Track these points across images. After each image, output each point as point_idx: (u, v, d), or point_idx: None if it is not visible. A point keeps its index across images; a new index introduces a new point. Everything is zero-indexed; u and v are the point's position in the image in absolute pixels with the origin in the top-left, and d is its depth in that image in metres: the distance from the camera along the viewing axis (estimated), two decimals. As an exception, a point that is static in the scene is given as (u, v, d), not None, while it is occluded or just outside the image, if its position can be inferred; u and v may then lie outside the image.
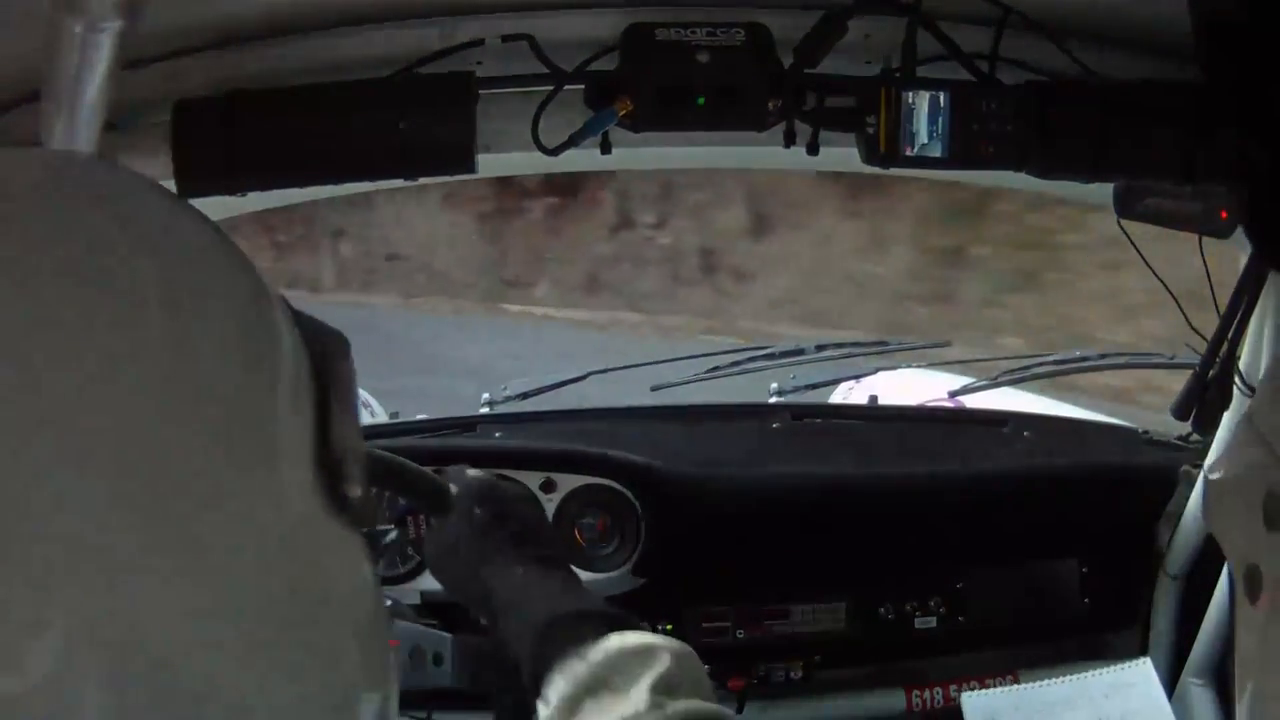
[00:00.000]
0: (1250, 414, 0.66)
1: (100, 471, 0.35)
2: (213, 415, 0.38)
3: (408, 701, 1.42)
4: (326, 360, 0.45)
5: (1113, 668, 1.44)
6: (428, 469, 0.99)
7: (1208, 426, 1.47)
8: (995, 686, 1.59)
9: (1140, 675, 1.43)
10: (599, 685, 0.73)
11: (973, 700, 1.45)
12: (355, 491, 0.44)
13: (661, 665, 0.73)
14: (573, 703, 0.74)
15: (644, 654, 0.75)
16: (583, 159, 1.18)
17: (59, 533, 0.34)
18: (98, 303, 0.37)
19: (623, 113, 1.10)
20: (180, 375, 0.37)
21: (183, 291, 0.39)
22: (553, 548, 0.98)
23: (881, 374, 2.27)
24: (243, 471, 0.39)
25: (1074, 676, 1.44)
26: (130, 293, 0.37)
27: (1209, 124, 1.06)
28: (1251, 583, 0.61)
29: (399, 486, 1.05)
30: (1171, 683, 1.54)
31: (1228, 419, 1.38)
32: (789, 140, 1.15)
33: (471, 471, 1.04)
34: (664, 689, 0.71)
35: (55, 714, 0.34)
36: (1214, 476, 0.68)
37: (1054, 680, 1.44)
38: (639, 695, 0.71)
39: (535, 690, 0.79)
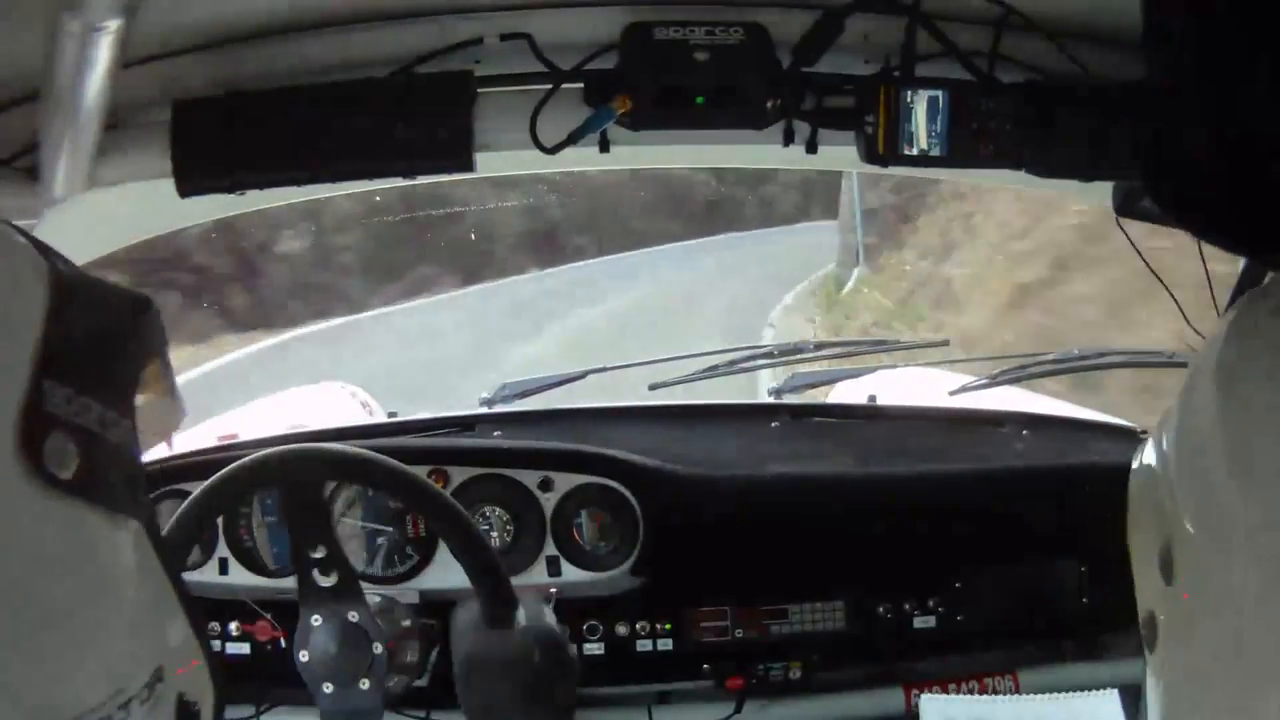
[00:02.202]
0: (1160, 433, 0.63)
1: None
2: None
3: (408, 701, 1.43)
4: (77, 333, 0.46)
5: (1078, 695, 1.45)
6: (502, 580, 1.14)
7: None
8: (994, 686, 1.59)
9: (1105, 705, 1.44)
10: None
11: (930, 704, 1.46)
12: (65, 468, 0.45)
13: None
14: None
15: None
16: (581, 157, 1.18)
17: None
18: None
19: (621, 111, 1.10)
20: None
21: None
22: None
23: (881, 373, 2.27)
24: None
25: (1038, 697, 1.45)
26: None
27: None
28: (1149, 630, 0.61)
29: (473, 575, 1.15)
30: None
31: None
32: (787, 139, 1.15)
33: (546, 615, 1.20)
34: None
35: None
36: (1132, 484, 0.66)
37: (1019, 697, 1.45)
38: None
39: None
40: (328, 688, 1.18)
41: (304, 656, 1.18)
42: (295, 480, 1.18)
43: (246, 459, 1.18)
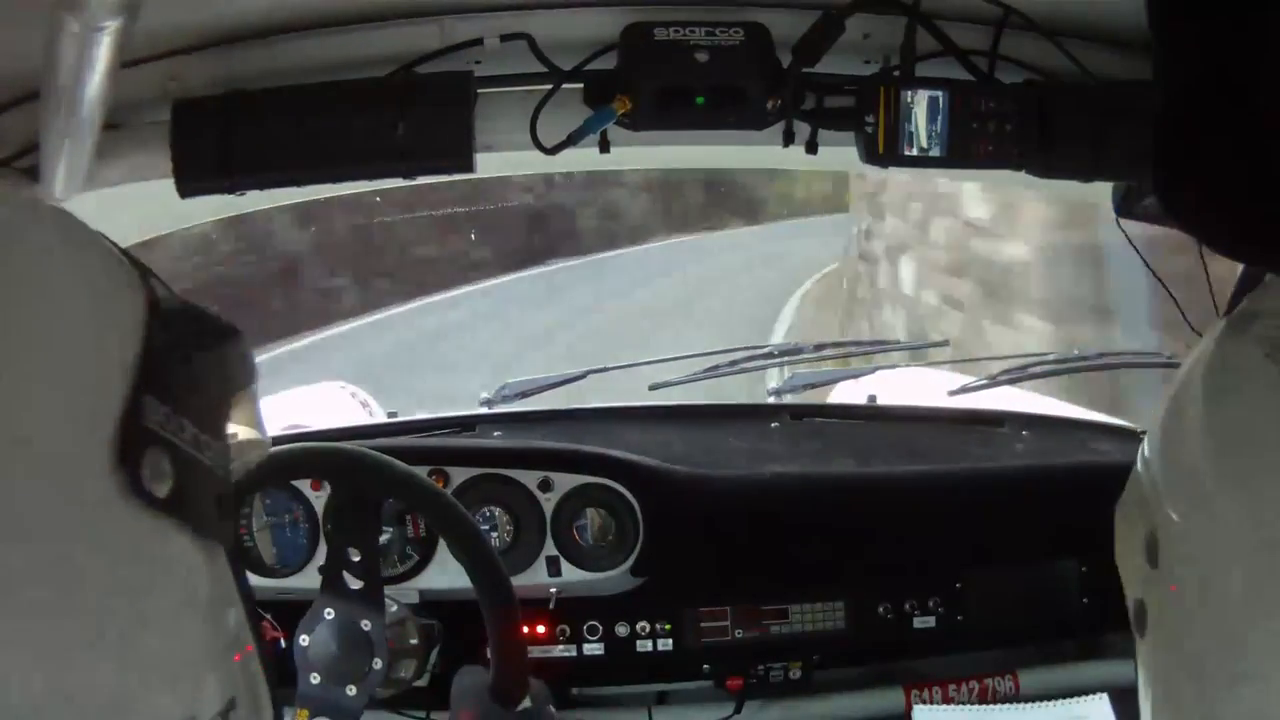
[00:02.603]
0: (1151, 430, 0.64)
1: None
2: None
3: (408, 701, 1.43)
4: (174, 352, 0.45)
5: (1072, 701, 1.46)
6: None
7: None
8: (994, 686, 1.59)
9: (1096, 712, 1.45)
10: None
11: (925, 715, 1.47)
12: (161, 486, 0.43)
13: None
14: None
15: None
16: (581, 158, 1.18)
17: None
18: None
19: (621, 112, 1.10)
20: None
21: None
22: None
23: (880, 373, 2.27)
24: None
25: (1030, 706, 1.46)
26: None
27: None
28: (1139, 617, 0.62)
29: (496, 651, 1.16)
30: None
31: None
32: (788, 139, 1.15)
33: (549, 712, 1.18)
34: None
35: None
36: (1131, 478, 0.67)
37: (1013, 707, 1.46)
38: None
39: None
40: (314, 677, 1.17)
41: (304, 641, 1.18)
42: (361, 484, 1.19)
43: (319, 446, 1.20)
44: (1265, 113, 0.52)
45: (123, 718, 0.42)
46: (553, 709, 1.19)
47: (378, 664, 1.17)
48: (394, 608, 1.30)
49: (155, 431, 0.43)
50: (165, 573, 0.45)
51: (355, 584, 1.18)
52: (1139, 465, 0.63)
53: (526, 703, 1.16)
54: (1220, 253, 0.61)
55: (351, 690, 1.17)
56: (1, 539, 0.37)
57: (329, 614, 1.18)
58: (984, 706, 1.47)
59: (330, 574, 1.18)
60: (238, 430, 0.52)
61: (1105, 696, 1.46)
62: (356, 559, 1.18)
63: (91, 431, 0.41)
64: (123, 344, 0.43)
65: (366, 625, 1.18)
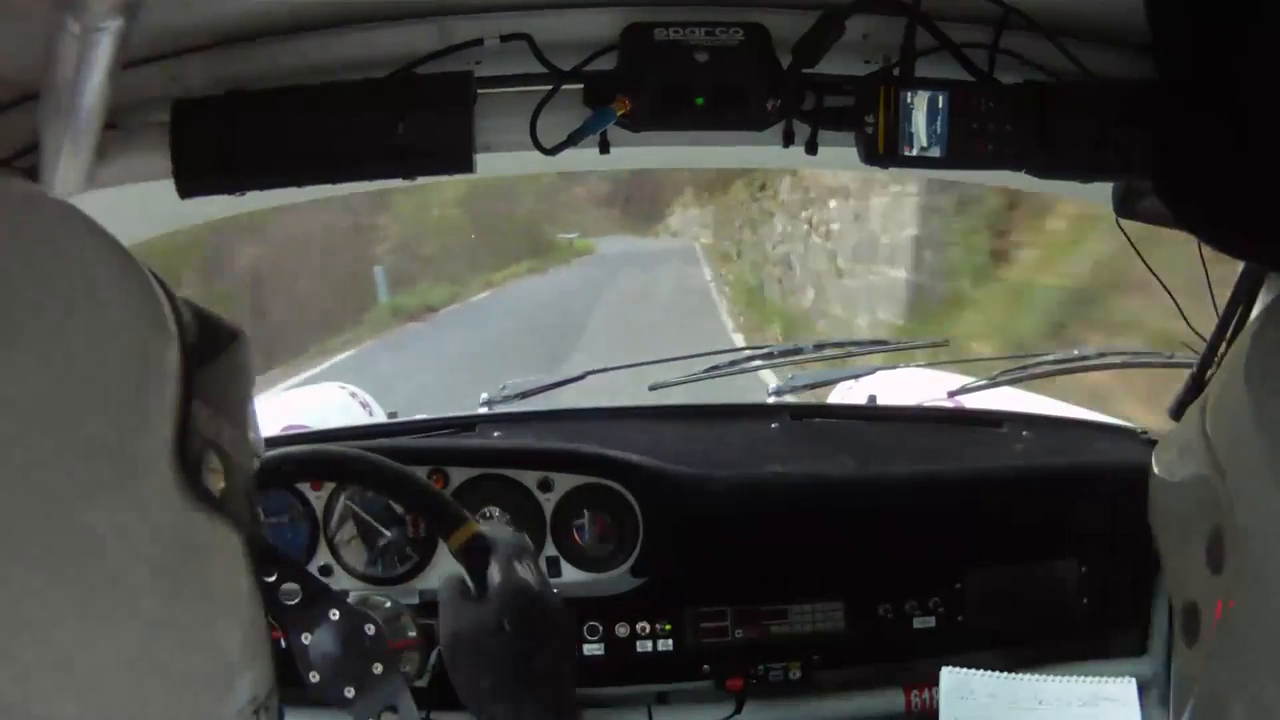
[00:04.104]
0: (1202, 419, 0.61)
1: None
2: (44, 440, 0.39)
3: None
4: (202, 355, 0.47)
5: (1099, 680, 1.44)
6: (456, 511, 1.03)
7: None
8: None
9: (1121, 692, 1.44)
10: None
11: (951, 676, 1.45)
12: (216, 484, 0.46)
13: None
14: None
15: None
16: (581, 158, 1.18)
17: None
18: None
19: (621, 112, 1.10)
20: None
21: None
22: (569, 690, 0.98)
23: (880, 374, 2.27)
24: (84, 493, 0.39)
25: (1062, 678, 1.44)
26: None
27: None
28: (1189, 620, 0.59)
29: (429, 518, 1.07)
30: (1170, 682, 1.54)
31: None
32: (788, 140, 1.15)
33: (518, 570, 1.02)
34: None
35: None
36: (1161, 474, 0.64)
37: (1040, 677, 1.44)
38: None
39: None
40: (314, 676, 1.17)
41: (305, 639, 1.17)
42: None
43: (350, 451, 1.16)
44: (1261, 111, 0.52)
45: (198, 707, 0.45)
46: (521, 572, 1.03)
47: (378, 669, 1.17)
48: (388, 604, 1.30)
49: (204, 434, 0.46)
50: (222, 565, 0.47)
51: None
52: (1187, 456, 0.60)
53: (495, 578, 1.03)
54: (1222, 250, 0.61)
55: (350, 692, 1.17)
56: (74, 546, 0.39)
57: (334, 615, 1.17)
58: (1010, 674, 1.45)
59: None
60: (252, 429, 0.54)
61: (1133, 680, 1.45)
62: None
63: (151, 434, 0.43)
64: (170, 350, 0.45)
65: (371, 629, 1.17)
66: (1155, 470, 0.65)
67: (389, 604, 1.29)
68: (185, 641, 0.44)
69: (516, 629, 0.99)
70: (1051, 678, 1.44)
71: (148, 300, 0.46)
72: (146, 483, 0.42)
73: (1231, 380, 0.58)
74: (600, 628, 1.53)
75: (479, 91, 1.10)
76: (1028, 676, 1.44)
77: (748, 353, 2.18)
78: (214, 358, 0.48)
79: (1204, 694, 0.57)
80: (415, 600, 1.45)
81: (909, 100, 1.10)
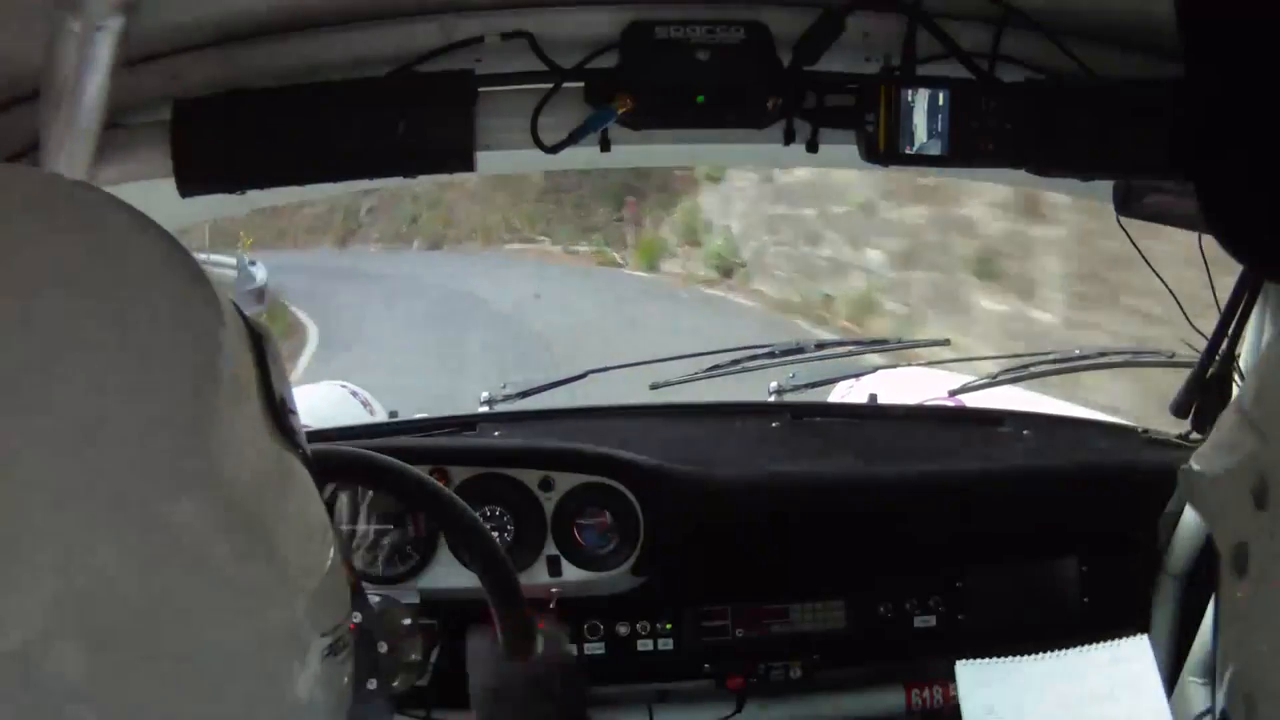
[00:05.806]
0: (1239, 401, 0.67)
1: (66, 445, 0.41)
2: (170, 378, 0.46)
3: (407, 701, 1.42)
4: (256, 337, 0.54)
5: (1109, 644, 1.44)
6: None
7: (1207, 425, 1.47)
8: None
9: (1136, 651, 1.43)
10: None
11: (967, 669, 1.45)
12: (296, 423, 0.55)
13: None
14: None
15: None
16: (582, 156, 1.18)
17: (30, 498, 0.40)
18: (82, 319, 0.44)
19: (622, 110, 1.10)
20: (135, 362, 0.45)
21: (142, 302, 0.47)
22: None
23: (881, 373, 2.27)
24: (206, 414, 0.46)
25: (1069, 652, 1.44)
26: (107, 303, 0.46)
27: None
28: (1239, 559, 0.63)
29: (497, 605, 1.14)
30: (1171, 681, 1.54)
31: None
32: (788, 138, 1.15)
33: (563, 643, 1.21)
34: None
35: (37, 673, 0.37)
36: (1199, 466, 0.70)
37: (1048, 655, 1.44)
38: None
39: None
40: None
41: None
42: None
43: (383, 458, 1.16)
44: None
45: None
46: (566, 645, 1.22)
47: (372, 684, 1.16)
48: (407, 622, 1.30)
49: (285, 399, 0.54)
50: (319, 508, 0.57)
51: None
52: (1229, 419, 0.66)
53: (539, 648, 1.15)
54: (1248, 265, 0.62)
55: (372, 684, 1.16)
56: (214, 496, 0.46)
57: (356, 617, 1.17)
58: (1025, 657, 1.45)
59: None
60: None
61: (1145, 638, 1.45)
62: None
63: (250, 401, 0.51)
64: (237, 319, 0.52)
65: (384, 648, 1.17)
66: (1194, 465, 0.70)
67: (408, 621, 1.29)
68: (313, 566, 0.53)
69: (565, 688, 1.23)
70: (1065, 652, 1.44)
71: (210, 291, 0.52)
72: (248, 412, 0.49)
73: (1268, 363, 0.62)
74: (601, 627, 1.53)
75: (480, 89, 1.10)
76: (1042, 656, 1.44)
77: (749, 352, 2.17)
78: (264, 346, 0.55)
79: (1251, 615, 0.62)
80: (415, 600, 1.45)
81: (910, 99, 1.10)
